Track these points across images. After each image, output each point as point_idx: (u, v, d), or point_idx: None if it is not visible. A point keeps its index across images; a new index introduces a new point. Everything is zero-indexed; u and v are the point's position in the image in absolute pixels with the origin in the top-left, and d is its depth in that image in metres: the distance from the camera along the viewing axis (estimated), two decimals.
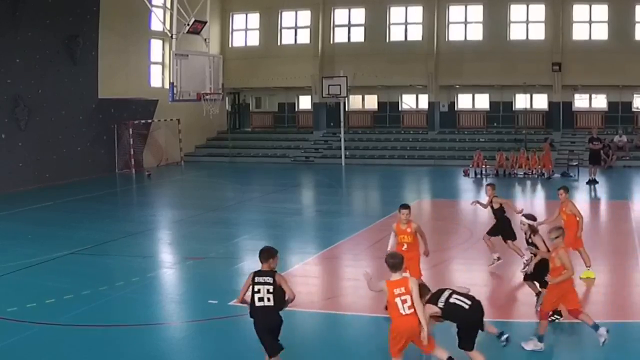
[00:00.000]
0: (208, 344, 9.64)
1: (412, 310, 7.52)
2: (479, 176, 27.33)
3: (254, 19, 37.17)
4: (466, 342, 7.90)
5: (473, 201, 14.48)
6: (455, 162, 31.01)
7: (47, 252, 14.69)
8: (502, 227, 13.02)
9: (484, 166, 27.45)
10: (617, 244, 15.18)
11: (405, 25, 35.05)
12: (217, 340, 9.76)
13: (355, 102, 37.63)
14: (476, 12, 33.72)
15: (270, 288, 7.70)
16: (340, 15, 36.02)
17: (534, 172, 26.67)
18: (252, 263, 13.80)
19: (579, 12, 32.23)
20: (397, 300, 7.52)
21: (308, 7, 35.73)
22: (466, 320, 7.84)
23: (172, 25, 22.59)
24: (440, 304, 7.84)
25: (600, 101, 33.72)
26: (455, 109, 35.57)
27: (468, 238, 15.97)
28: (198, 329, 10.31)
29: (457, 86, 34.80)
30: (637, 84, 31.27)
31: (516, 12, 33.16)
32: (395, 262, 7.75)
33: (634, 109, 32.87)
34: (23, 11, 24.63)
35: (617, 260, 13.63)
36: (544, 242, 10.35)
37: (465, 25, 34.03)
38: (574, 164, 26.18)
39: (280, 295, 7.75)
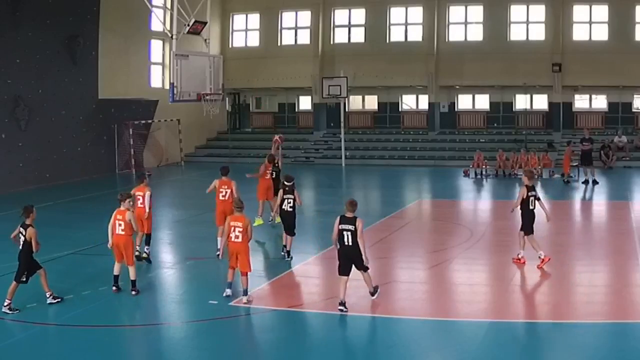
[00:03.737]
0: (208, 344, 9.64)
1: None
2: (479, 176, 27.32)
3: (254, 19, 37.16)
4: None
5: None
6: (455, 163, 31.00)
7: (47, 252, 14.64)
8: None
9: (484, 166, 27.44)
10: (617, 244, 15.17)
11: (406, 25, 35.03)
12: (217, 340, 9.76)
13: (355, 102, 37.58)
14: (476, 12, 33.68)
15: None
16: (340, 15, 36.00)
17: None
18: (252, 263, 13.81)
19: (579, 12, 32.20)
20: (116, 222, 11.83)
21: (308, 7, 35.72)
22: None
23: (172, 26, 22.57)
24: None
25: (600, 102, 33.69)
26: (456, 109, 35.52)
27: (468, 238, 15.96)
28: (198, 329, 10.31)
29: (457, 87, 34.76)
30: (637, 85, 31.22)
31: (516, 12, 33.12)
32: None
33: (634, 110, 32.84)
34: (23, 11, 24.64)
35: (617, 260, 13.62)
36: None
37: (466, 25, 34.00)
38: (574, 164, 26.15)
39: None
